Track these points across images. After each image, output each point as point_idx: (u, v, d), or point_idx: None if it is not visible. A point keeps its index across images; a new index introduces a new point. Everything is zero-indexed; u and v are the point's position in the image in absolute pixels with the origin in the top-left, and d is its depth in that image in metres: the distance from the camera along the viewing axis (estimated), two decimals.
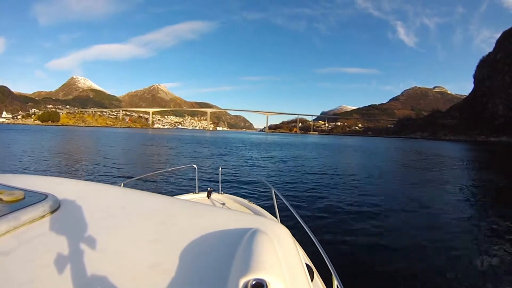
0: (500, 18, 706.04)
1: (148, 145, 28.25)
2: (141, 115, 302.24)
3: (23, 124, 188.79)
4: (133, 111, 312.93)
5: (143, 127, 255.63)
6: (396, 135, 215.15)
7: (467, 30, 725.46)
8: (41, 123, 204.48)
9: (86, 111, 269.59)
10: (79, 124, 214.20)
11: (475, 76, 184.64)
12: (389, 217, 6.25)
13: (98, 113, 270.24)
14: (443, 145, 60.49)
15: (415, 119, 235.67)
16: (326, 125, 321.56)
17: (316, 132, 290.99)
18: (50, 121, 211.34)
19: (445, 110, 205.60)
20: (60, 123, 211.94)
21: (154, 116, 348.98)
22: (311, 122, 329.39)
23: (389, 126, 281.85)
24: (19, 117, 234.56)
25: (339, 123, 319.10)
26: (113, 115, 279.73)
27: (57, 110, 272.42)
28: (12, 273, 0.63)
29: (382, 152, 30.44)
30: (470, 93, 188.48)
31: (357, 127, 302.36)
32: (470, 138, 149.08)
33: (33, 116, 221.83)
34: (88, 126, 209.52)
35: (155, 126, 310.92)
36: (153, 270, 0.66)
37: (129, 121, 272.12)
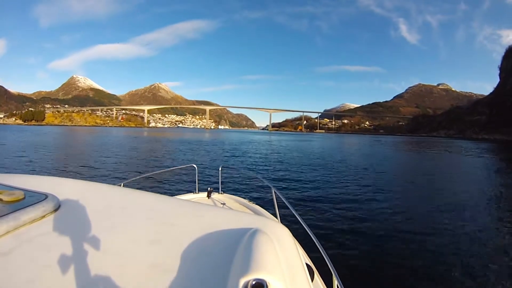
0: (502, 14, 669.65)
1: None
2: (136, 113, 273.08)
3: (3, 124, 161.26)
4: (128, 109, 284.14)
5: (138, 126, 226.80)
6: (412, 133, 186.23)
7: (469, 27, 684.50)
8: (23, 122, 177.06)
9: (83, 110, 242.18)
10: (65, 123, 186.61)
11: (501, 68, 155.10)
12: (390, 217, 5.99)
13: (88, 111, 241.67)
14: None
15: (433, 116, 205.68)
16: (333, 123, 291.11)
17: (323, 131, 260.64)
18: (34, 121, 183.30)
19: (469, 106, 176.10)
20: (45, 122, 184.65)
21: (154, 114, 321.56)
22: (316, 120, 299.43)
23: (400, 123, 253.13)
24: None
25: (345, 121, 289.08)
26: (113, 113, 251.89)
27: (55, 109, 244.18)
28: (12, 273, 0.61)
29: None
30: (496, 87, 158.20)
31: (365, 125, 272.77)
32: (508, 137, 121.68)
33: (17, 115, 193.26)
34: (76, 125, 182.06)
35: (152, 125, 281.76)
36: (153, 270, 0.64)
37: (122, 120, 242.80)
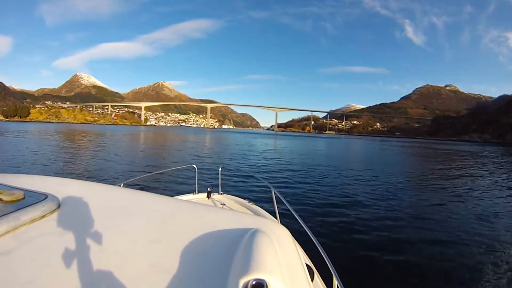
0: (508, 17, 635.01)
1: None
2: (138, 111, 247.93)
3: None
4: (124, 106, 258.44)
5: (134, 124, 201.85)
6: (433, 136, 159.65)
7: (475, 30, 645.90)
8: (5, 118, 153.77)
9: (75, 106, 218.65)
10: (51, 120, 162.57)
11: None
12: (391, 217, 5.84)
13: (80, 107, 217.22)
14: None
15: (456, 117, 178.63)
16: (343, 123, 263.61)
17: (333, 132, 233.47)
18: (17, 116, 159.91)
19: (501, 106, 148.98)
20: (29, 118, 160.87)
21: (158, 113, 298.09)
22: (325, 121, 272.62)
23: (416, 125, 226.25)
24: None
25: (355, 122, 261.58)
26: (108, 110, 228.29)
27: (60, 106, 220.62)
28: (12, 273, 0.59)
29: None
30: None
31: (377, 126, 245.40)
32: None
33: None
34: (62, 122, 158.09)
35: (151, 123, 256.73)
36: (153, 270, 0.62)
37: (115, 117, 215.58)
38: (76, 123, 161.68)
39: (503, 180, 12.42)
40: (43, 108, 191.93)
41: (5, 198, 0.79)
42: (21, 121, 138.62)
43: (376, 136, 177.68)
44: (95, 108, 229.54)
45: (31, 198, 0.83)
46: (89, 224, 0.78)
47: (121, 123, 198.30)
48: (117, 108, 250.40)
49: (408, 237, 4.77)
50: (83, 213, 0.85)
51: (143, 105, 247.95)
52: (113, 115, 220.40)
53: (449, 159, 24.39)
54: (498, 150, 46.40)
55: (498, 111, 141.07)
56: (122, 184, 2.06)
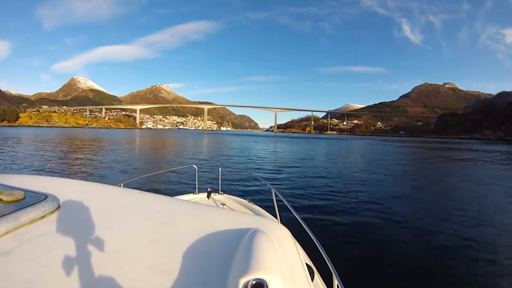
0: (505, 14, 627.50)
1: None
2: (135, 114, 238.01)
3: None
4: (119, 109, 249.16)
5: (128, 127, 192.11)
6: (440, 135, 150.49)
7: (473, 27, 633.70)
8: None
9: (68, 110, 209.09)
10: (41, 124, 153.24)
11: None
12: (391, 217, 5.72)
13: (74, 111, 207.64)
14: None
15: (464, 114, 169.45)
16: (344, 123, 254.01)
17: (335, 132, 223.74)
18: (5, 121, 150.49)
19: (510, 102, 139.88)
20: (18, 123, 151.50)
21: (155, 116, 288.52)
22: (326, 121, 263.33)
23: (418, 123, 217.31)
24: None
25: (356, 121, 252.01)
26: (108, 114, 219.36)
27: (51, 110, 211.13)
28: (12, 273, 0.58)
29: None
30: None
31: (379, 125, 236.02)
32: None
33: None
34: (52, 126, 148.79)
35: (149, 126, 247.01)
36: (153, 271, 0.61)
37: (108, 120, 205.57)
38: (67, 127, 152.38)
39: None
40: (33, 112, 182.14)
41: (5, 198, 0.79)
42: (8, 126, 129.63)
43: (380, 135, 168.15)
44: (90, 112, 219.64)
45: (31, 198, 0.82)
46: (89, 224, 0.77)
47: (115, 126, 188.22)
48: (114, 111, 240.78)
49: (409, 237, 4.68)
50: (83, 213, 0.84)
51: (138, 107, 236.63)
52: (106, 118, 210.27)
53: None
54: None
55: (509, 108, 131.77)
56: (122, 184, 2.04)
